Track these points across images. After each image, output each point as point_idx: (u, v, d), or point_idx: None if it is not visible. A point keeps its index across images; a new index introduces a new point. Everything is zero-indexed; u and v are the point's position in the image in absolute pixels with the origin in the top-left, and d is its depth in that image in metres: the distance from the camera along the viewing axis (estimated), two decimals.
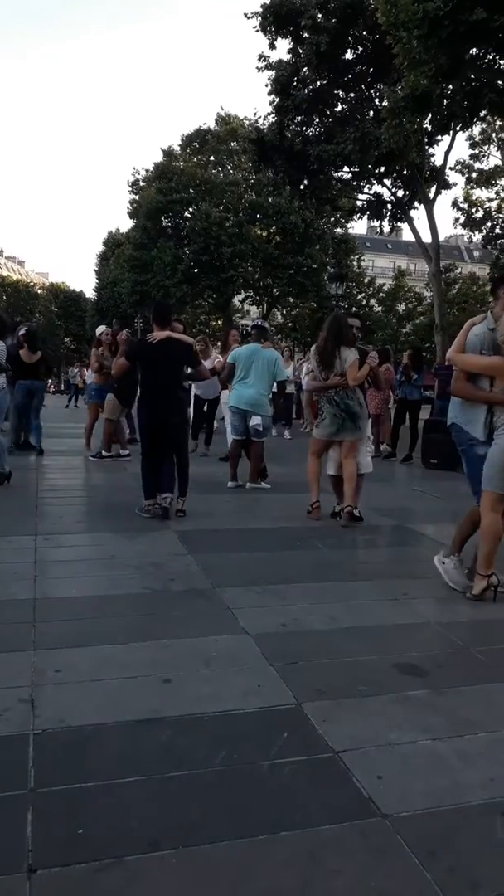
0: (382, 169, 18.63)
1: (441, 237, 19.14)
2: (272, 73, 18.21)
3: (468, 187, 23.34)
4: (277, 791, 2.15)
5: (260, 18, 17.60)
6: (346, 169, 18.87)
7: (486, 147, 22.86)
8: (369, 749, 2.39)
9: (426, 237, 18.71)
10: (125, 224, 52.51)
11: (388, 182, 19.54)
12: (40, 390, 9.52)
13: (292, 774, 2.23)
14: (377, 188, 20.00)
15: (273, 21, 17.46)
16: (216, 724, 2.52)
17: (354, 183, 20.03)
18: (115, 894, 1.72)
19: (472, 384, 4.03)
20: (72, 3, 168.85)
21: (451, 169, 18.81)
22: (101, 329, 10.31)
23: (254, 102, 78.29)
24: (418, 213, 23.01)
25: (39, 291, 69.35)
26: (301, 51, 17.48)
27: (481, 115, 16.03)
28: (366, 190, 20.31)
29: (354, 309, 36.48)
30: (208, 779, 2.19)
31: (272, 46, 18.10)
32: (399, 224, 21.00)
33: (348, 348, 5.84)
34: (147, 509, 5.79)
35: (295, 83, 18.11)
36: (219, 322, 37.65)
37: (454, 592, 4.13)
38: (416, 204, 19.35)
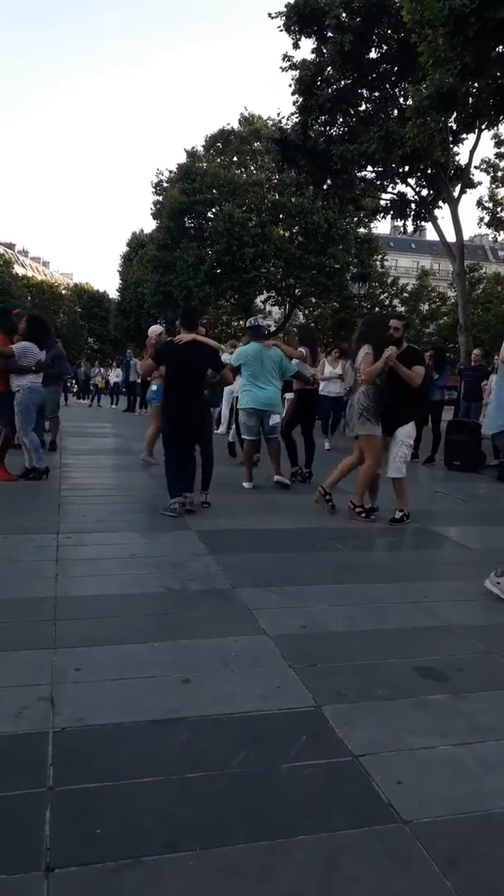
0: (406, 168, 18.50)
1: (465, 236, 18.95)
2: (296, 73, 18.16)
3: (493, 186, 23.06)
4: (296, 794, 2.13)
5: (284, 18, 17.55)
6: (369, 168, 18.76)
7: None
8: (389, 754, 2.37)
9: (450, 237, 18.55)
10: (149, 225, 52.82)
11: (412, 181, 19.38)
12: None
13: (311, 778, 2.22)
14: (401, 187, 19.86)
15: (297, 21, 17.40)
16: (235, 725, 2.52)
17: (378, 182, 19.90)
18: (132, 894, 1.72)
19: None
20: (93, 5, 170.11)
21: (476, 168, 18.63)
22: (155, 329, 9.43)
23: (277, 102, 78.21)
24: (442, 213, 22.78)
25: (64, 292, 69.92)
26: (325, 50, 17.41)
27: None
28: (389, 189, 20.18)
29: (377, 309, 36.30)
30: (226, 780, 2.19)
31: (296, 46, 18.06)
32: (423, 224, 20.82)
33: (362, 345, 5.91)
34: (172, 508, 5.82)
35: (319, 83, 18.04)
36: (241, 322, 37.67)
37: (476, 596, 4.08)
38: (441, 203, 19.17)
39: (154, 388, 9.12)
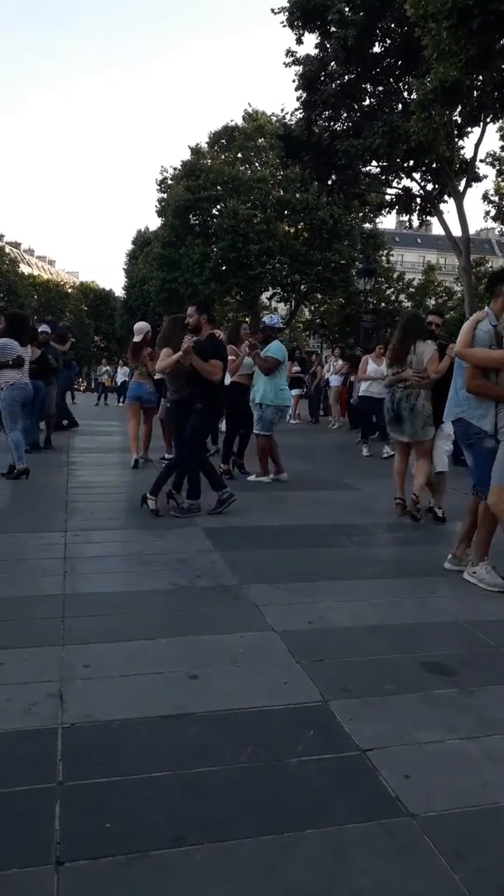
0: (411, 162, 18.37)
1: (471, 230, 18.86)
2: (299, 69, 18.08)
3: (499, 179, 22.89)
4: (304, 789, 2.14)
5: (287, 14, 17.49)
6: (374, 163, 18.65)
7: None
8: (396, 748, 2.38)
9: (456, 231, 18.43)
10: (154, 222, 52.82)
11: (416, 176, 19.28)
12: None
13: (319, 772, 2.23)
14: (406, 182, 19.72)
15: (300, 16, 17.33)
16: (242, 720, 2.53)
17: (383, 177, 19.80)
18: (141, 888, 1.74)
19: (486, 380, 4.02)
20: (97, 3, 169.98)
21: (481, 161, 18.40)
22: (142, 326, 8.90)
23: (281, 98, 77.85)
24: (448, 207, 22.68)
25: (70, 290, 70.07)
26: (328, 45, 17.33)
27: None
28: (394, 184, 20.07)
29: (383, 305, 36.20)
30: (234, 775, 2.20)
31: (299, 41, 17.98)
32: (428, 218, 20.70)
33: (424, 342, 5.79)
34: (224, 498, 5.92)
35: (322, 78, 17.97)
36: (247, 319, 37.66)
37: (482, 591, 4.08)
38: (446, 197, 19.07)
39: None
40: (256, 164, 34.47)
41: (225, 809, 2.03)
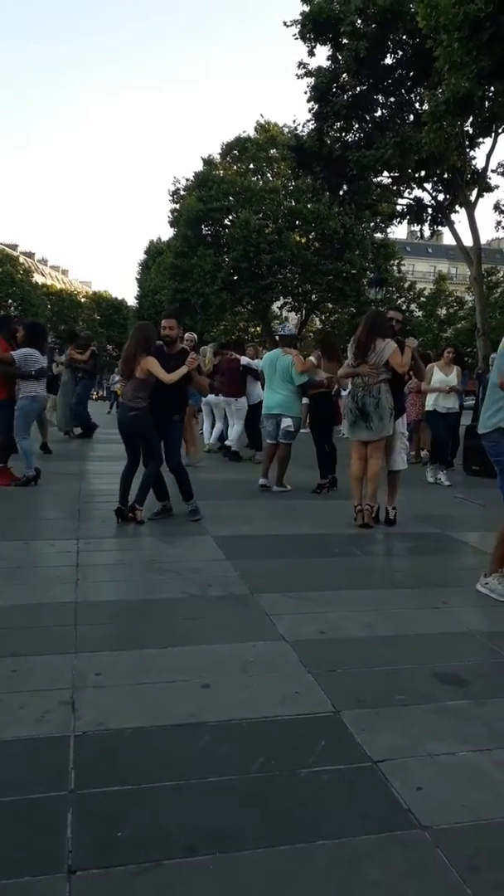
0: (423, 173, 18.44)
1: (483, 240, 18.86)
2: (311, 80, 18.20)
3: None
4: (315, 799, 2.14)
5: (299, 26, 17.64)
6: (385, 174, 18.74)
7: None
8: (408, 759, 2.36)
9: (467, 240, 18.44)
10: (166, 233, 53.08)
11: (428, 186, 19.33)
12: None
13: (330, 783, 2.22)
14: (417, 192, 19.79)
15: (312, 28, 17.47)
16: (254, 730, 2.53)
17: (394, 187, 19.87)
18: None
19: None
20: (107, 19, 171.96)
21: (492, 171, 18.41)
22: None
23: (293, 109, 78.33)
24: (459, 217, 22.65)
25: (83, 300, 70.56)
26: (340, 57, 17.44)
27: None
28: (406, 194, 20.13)
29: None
30: (246, 785, 2.19)
31: (311, 53, 18.12)
32: (439, 228, 20.73)
33: (384, 340, 5.78)
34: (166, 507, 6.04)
35: (334, 89, 18.08)
36: (258, 328, 37.72)
37: (495, 602, 4.06)
38: (457, 207, 19.10)
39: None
40: (268, 175, 34.64)
41: (237, 819, 2.03)
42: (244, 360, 10.10)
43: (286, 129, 26.88)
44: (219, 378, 10.22)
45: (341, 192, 20.01)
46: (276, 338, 8.30)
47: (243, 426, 10.31)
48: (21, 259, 61.60)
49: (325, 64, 18.14)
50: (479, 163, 18.39)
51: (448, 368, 8.73)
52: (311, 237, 31.99)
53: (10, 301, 50.41)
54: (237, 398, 10.02)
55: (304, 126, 19.57)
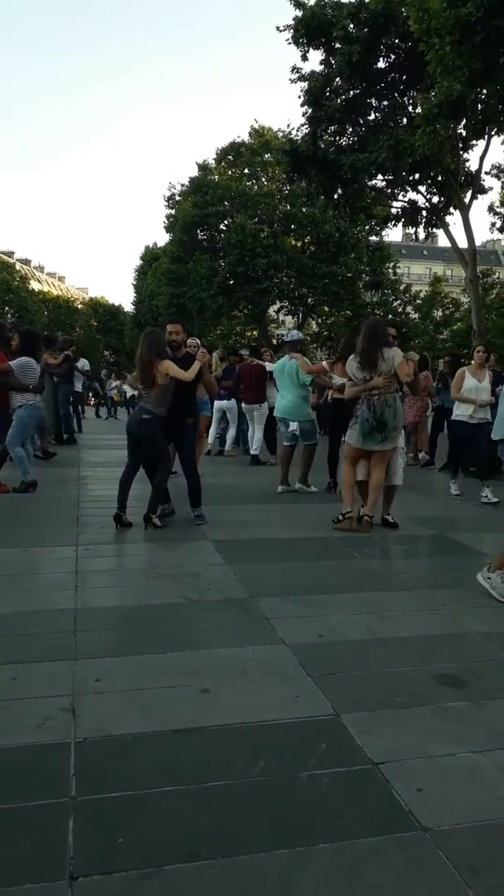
0: (417, 176, 18.50)
1: (477, 242, 18.90)
2: (305, 85, 18.27)
3: None
4: (316, 802, 2.14)
5: (292, 31, 17.71)
6: (380, 177, 18.79)
7: None
8: (408, 761, 2.37)
9: (462, 243, 18.51)
10: (162, 238, 53.21)
11: (422, 188, 19.39)
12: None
13: (331, 786, 2.23)
14: (412, 195, 19.84)
15: (305, 33, 17.52)
16: (254, 734, 2.53)
17: (389, 191, 19.93)
18: None
19: None
20: (101, 22, 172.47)
21: (486, 173, 18.51)
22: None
23: (287, 114, 78.73)
24: (454, 219, 22.80)
25: (80, 306, 70.65)
26: (333, 61, 17.50)
27: None
28: (400, 197, 20.18)
29: (391, 316, 36.26)
30: (246, 789, 2.20)
31: (304, 58, 18.17)
32: (434, 230, 20.81)
33: (390, 348, 5.77)
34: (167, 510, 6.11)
35: (328, 93, 18.14)
36: (254, 332, 37.76)
37: (494, 603, 4.07)
38: (452, 210, 19.16)
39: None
40: (263, 180, 34.75)
41: (238, 823, 2.03)
42: (269, 365, 10.03)
43: (280, 134, 27.04)
44: (230, 382, 10.54)
45: (336, 196, 20.07)
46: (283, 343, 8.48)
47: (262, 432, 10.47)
48: (17, 266, 61.69)
49: (319, 68, 18.19)
50: (472, 165, 18.50)
51: (480, 373, 7.59)
52: (306, 241, 32.04)
53: (6, 308, 50.47)
54: (260, 404, 10.15)
55: (298, 130, 19.65)
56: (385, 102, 18.40)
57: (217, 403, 10.25)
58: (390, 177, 18.36)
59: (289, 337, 8.62)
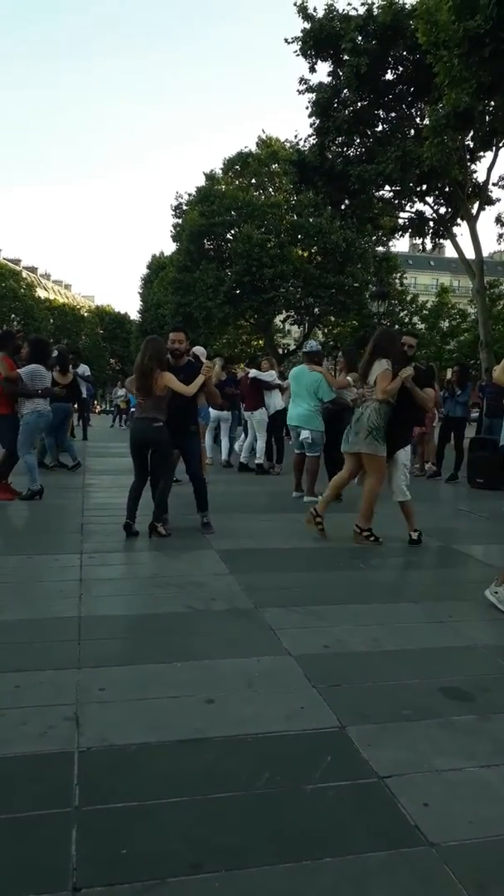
0: (424, 187, 18.56)
1: (485, 253, 18.93)
2: (312, 96, 18.38)
3: None
4: (321, 816, 2.12)
5: (300, 43, 17.84)
6: (387, 188, 18.86)
7: None
8: (415, 775, 2.34)
9: (469, 253, 18.50)
10: (168, 247, 53.51)
11: (429, 199, 19.45)
12: (69, 413, 10.19)
13: (336, 799, 2.20)
14: (419, 206, 19.91)
15: (313, 45, 17.66)
16: (259, 745, 2.51)
17: (396, 201, 19.98)
18: None
19: None
20: (115, 34, 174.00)
21: (493, 185, 18.51)
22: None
23: (295, 124, 79.27)
24: (461, 230, 22.84)
25: (86, 314, 70.98)
26: (341, 73, 17.61)
27: None
28: (407, 208, 20.24)
29: (397, 327, 36.29)
30: (251, 801, 2.18)
31: (312, 70, 18.29)
32: (441, 241, 20.85)
33: (379, 360, 5.68)
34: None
35: (335, 105, 18.24)
36: (260, 342, 37.84)
37: (501, 616, 4.04)
38: (459, 220, 19.21)
39: None
40: (270, 190, 34.92)
41: (242, 836, 2.01)
42: (252, 372, 10.47)
43: (288, 144, 27.15)
44: (232, 389, 10.76)
45: (343, 207, 20.15)
46: (302, 354, 8.54)
47: (265, 439, 10.52)
48: (24, 274, 62.04)
49: (326, 80, 18.32)
50: (480, 176, 18.53)
51: None
52: (313, 251, 32.14)
53: (13, 316, 50.76)
54: (254, 410, 10.26)
55: (305, 141, 19.74)
56: (393, 114, 18.49)
57: (213, 413, 10.27)
58: (398, 188, 18.42)
59: (307, 348, 8.63)
